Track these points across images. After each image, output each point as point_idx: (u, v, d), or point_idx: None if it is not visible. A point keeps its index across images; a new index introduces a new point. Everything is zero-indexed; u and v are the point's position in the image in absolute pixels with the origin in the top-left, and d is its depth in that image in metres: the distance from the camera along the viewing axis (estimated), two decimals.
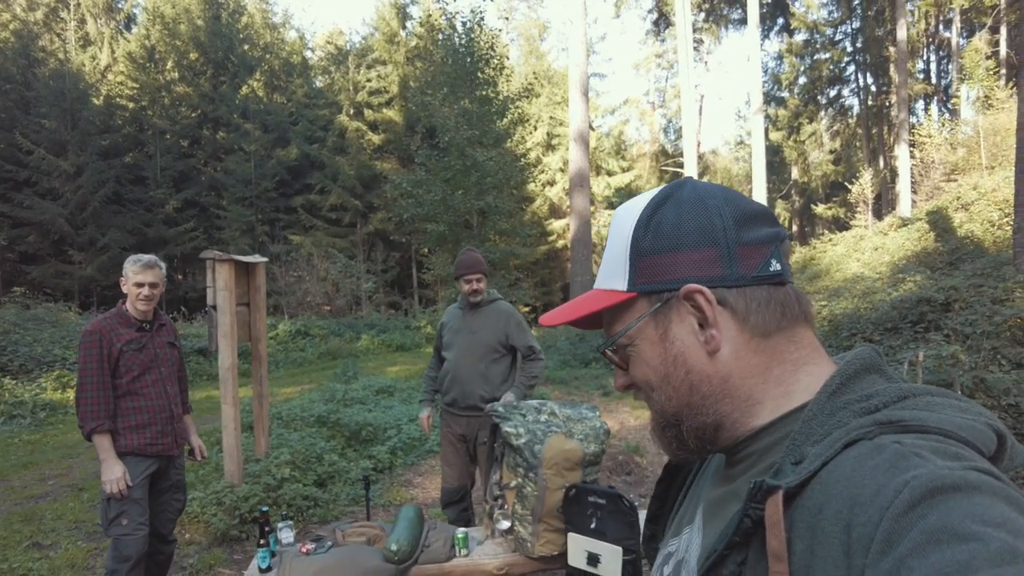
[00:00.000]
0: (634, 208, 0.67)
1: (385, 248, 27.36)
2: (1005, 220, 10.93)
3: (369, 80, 28.36)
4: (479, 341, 3.56)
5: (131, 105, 24.92)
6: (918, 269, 10.24)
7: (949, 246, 11.66)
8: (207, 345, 12.42)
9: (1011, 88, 17.25)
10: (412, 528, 2.71)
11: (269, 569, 2.60)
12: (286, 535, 2.79)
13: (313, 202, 26.66)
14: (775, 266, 0.61)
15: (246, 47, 28.39)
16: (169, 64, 26.18)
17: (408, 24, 29.49)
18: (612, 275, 0.67)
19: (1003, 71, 20.50)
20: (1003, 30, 21.74)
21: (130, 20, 29.24)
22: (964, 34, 24.02)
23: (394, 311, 25.11)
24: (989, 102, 17.58)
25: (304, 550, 2.63)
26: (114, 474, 2.86)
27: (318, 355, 14.53)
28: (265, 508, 2.78)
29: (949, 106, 24.77)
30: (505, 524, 2.76)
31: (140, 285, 3.00)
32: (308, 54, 32.33)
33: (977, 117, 18.33)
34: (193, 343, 12.57)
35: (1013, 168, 7.51)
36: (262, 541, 2.67)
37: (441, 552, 2.66)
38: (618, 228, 0.68)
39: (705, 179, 32.51)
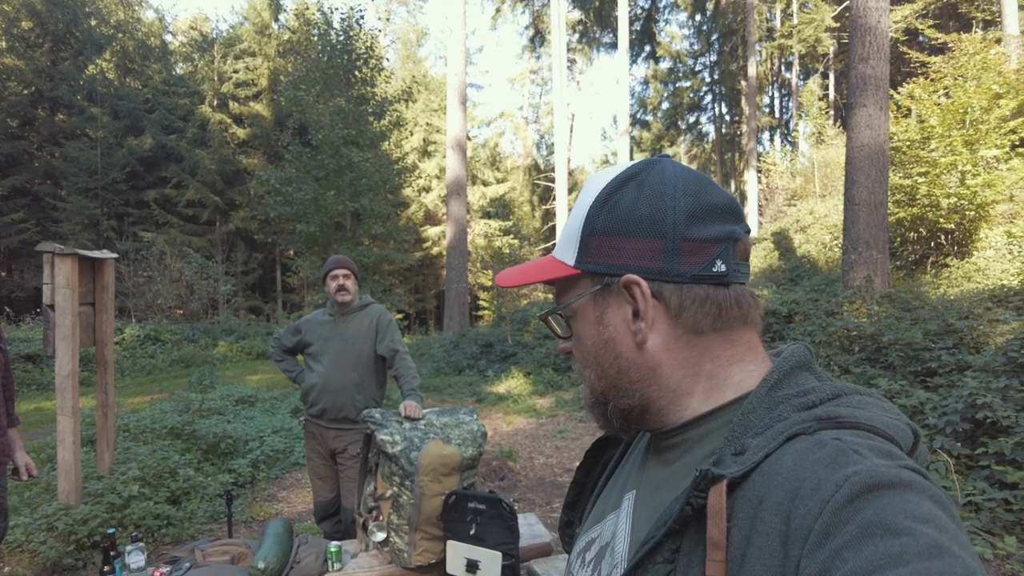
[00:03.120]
0: (600, 180, 0.66)
1: (247, 248, 25.88)
2: (835, 242, 12.29)
3: (236, 71, 26.78)
4: (353, 349, 3.38)
5: None
6: (765, 284, 11.23)
7: (790, 264, 12.93)
8: (39, 350, 11.14)
9: (838, 127, 19.49)
10: (280, 543, 2.55)
11: None
12: (136, 559, 2.52)
13: (168, 196, 24.67)
14: (719, 267, 0.60)
15: (93, 22, 25.72)
16: None
17: (281, 17, 28.23)
18: (566, 246, 0.67)
19: (831, 111, 23.16)
20: (831, 76, 24.64)
21: None
22: (801, 76, 26.85)
23: (255, 316, 23.85)
24: (821, 137, 19.74)
25: (157, 574, 2.41)
26: None
27: (170, 362, 13.41)
28: (112, 530, 2.51)
29: (789, 139, 27.56)
30: (380, 535, 2.68)
31: None
32: (168, 38, 29.91)
33: (812, 150, 20.51)
34: (20, 348, 11.18)
35: (843, 197, 8.46)
36: (106, 568, 2.40)
37: (313, 568, 2.53)
38: (583, 197, 0.66)
39: (572, 195, 33.69)
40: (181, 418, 6.16)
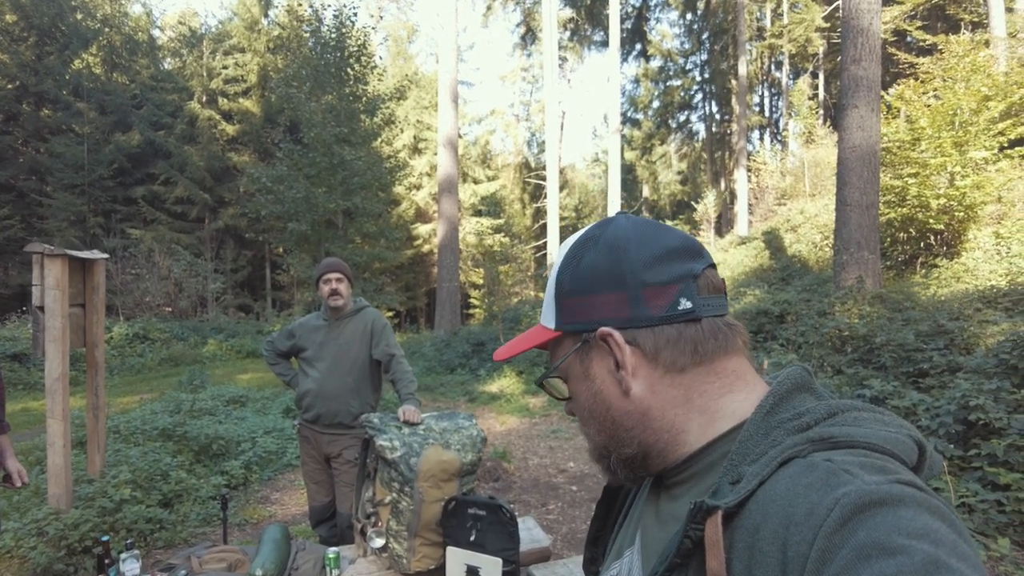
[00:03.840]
0: (565, 246, 0.71)
1: (236, 246, 25.71)
2: (826, 242, 12.35)
3: (225, 67, 26.57)
4: (348, 354, 3.34)
5: None
6: (756, 284, 11.27)
7: (781, 263, 12.97)
8: (25, 349, 11.02)
9: (828, 127, 19.60)
10: (278, 550, 2.53)
11: None
12: (131, 567, 2.47)
13: (156, 193, 24.46)
14: (684, 304, 0.62)
15: (79, 16, 25.40)
16: None
17: (271, 13, 28.02)
18: (547, 312, 0.71)
19: (821, 111, 23.29)
20: (821, 76, 24.79)
21: None
22: (791, 76, 26.96)
23: (244, 314, 23.68)
24: (811, 137, 19.83)
25: None
26: None
27: (159, 361, 13.30)
28: (106, 537, 2.47)
29: (779, 138, 27.67)
30: (379, 542, 2.67)
31: None
32: (156, 33, 29.63)
33: (801, 150, 20.61)
34: (6, 347, 11.05)
35: (834, 197, 8.51)
36: None
37: (311, 574, 2.51)
38: (556, 264, 0.71)
39: (563, 193, 33.58)
40: (172, 419, 6.10)
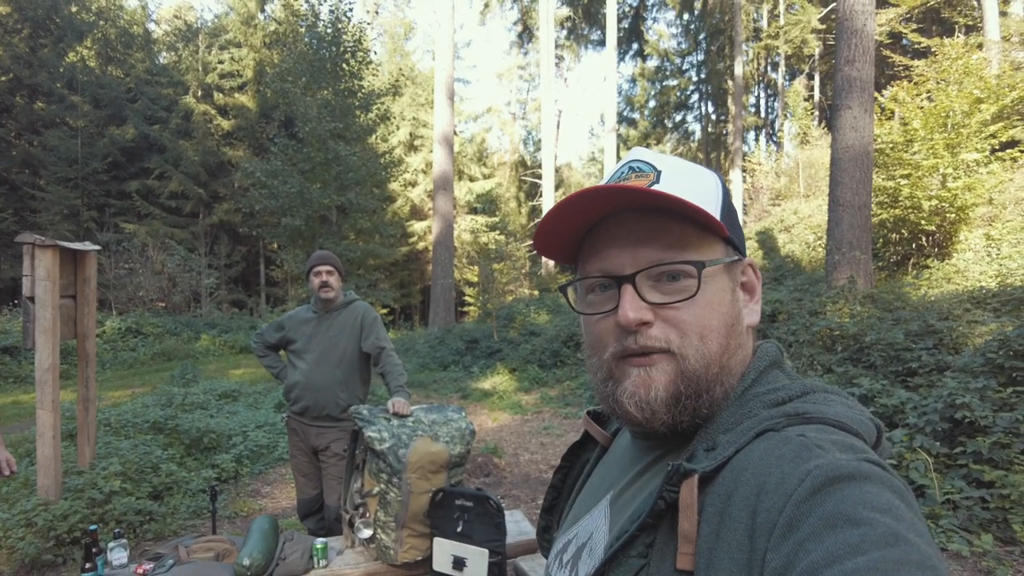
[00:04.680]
0: (704, 169, 0.67)
1: (230, 241, 25.58)
2: (819, 242, 12.40)
3: (221, 62, 26.44)
4: (337, 346, 3.35)
5: None
6: None
7: (775, 263, 13.02)
8: (16, 342, 10.97)
9: (823, 128, 19.67)
10: (266, 540, 2.54)
11: None
12: (118, 555, 2.49)
13: (151, 188, 24.32)
14: None
15: (74, 8, 25.24)
16: None
17: (267, 7, 27.92)
18: (705, 200, 0.62)
19: (816, 112, 23.35)
20: (817, 77, 24.86)
21: None
22: (787, 77, 27.03)
23: (238, 310, 23.60)
24: (806, 138, 19.88)
25: (140, 571, 2.38)
26: None
27: (151, 355, 13.28)
28: (94, 527, 2.48)
29: (775, 139, 27.73)
30: (367, 532, 2.68)
31: None
32: (152, 26, 29.50)
33: (796, 150, 20.65)
34: None
35: (827, 198, 8.54)
36: (88, 565, 2.37)
37: (298, 565, 2.52)
38: (694, 169, 0.65)
39: (559, 192, 33.69)
40: (163, 412, 6.10)
